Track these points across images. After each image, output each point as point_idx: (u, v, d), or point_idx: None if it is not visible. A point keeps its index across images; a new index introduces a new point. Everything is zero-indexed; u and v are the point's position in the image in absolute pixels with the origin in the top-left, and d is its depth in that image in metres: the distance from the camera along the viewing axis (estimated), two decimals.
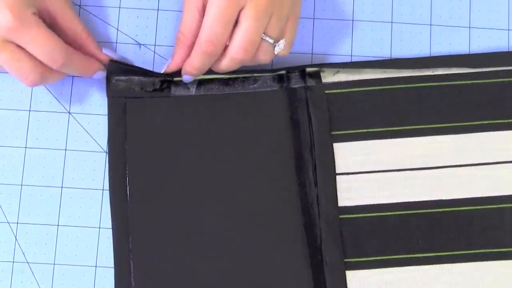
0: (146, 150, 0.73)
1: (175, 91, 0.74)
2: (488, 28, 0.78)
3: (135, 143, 0.73)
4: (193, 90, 0.74)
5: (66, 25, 0.70)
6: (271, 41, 0.69)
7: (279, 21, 0.68)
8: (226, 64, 0.70)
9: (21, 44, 0.66)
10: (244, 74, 0.74)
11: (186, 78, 0.72)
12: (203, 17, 0.68)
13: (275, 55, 0.70)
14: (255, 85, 0.74)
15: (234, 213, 0.72)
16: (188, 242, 0.72)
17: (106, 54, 0.73)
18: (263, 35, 0.68)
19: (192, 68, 0.70)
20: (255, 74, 0.74)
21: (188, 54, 0.70)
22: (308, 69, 0.74)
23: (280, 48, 0.70)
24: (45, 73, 0.67)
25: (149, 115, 0.74)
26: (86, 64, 0.71)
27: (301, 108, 0.74)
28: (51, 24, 0.70)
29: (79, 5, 0.77)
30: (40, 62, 0.67)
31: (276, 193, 0.73)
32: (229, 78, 0.74)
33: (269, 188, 0.73)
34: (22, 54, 0.66)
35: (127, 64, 0.74)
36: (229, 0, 0.66)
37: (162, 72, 0.73)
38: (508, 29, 0.78)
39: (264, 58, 0.70)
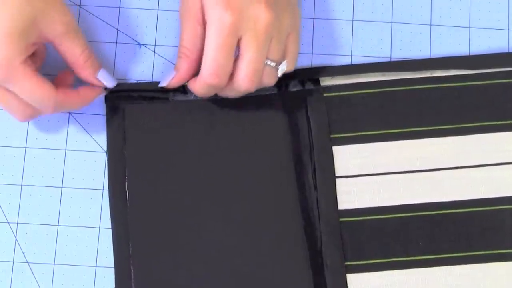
0: (145, 155, 0.71)
1: (174, 96, 0.72)
2: (488, 28, 0.75)
3: (134, 148, 0.71)
4: (191, 95, 0.71)
5: (64, 50, 0.66)
6: (273, 64, 0.66)
7: (280, 43, 0.65)
8: (233, 94, 0.67)
9: (10, 90, 0.63)
10: None
11: None
12: (204, 28, 0.65)
13: (279, 76, 0.67)
14: None
15: (234, 217, 0.70)
16: (188, 246, 0.69)
17: (100, 80, 0.69)
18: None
19: (198, 94, 0.68)
20: None
21: (192, 68, 0.67)
22: None
23: (282, 69, 0.67)
24: (35, 113, 0.66)
25: (148, 120, 0.71)
26: (79, 102, 0.68)
27: (300, 112, 0.71)
28: (52, 45, 0.66)
29: (79, 5, 0.74)
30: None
31: (275, 197, 0.70)
32: None
33: (268, 192, 0.70)
34: (11, 97, 0.64)
35: (126, 90, 0.72)
36: (228, 31, 0.63)
37: (163, 85, 0.69)
38: (508, 29, 0.75)
39: (268, 81, 0.67)
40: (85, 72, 0.68)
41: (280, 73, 0.67)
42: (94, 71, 0.68)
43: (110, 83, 0.70)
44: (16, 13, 0.62)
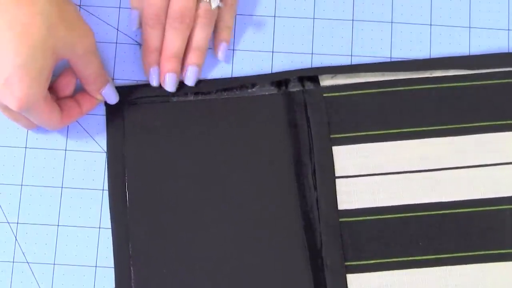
0: (145, 155, 0.70)
1: (173, 97, 0.71)
2: (488, 28, 0.74)
3: (134, 148, 0.70)
4: (191, 96, 0.71)
5: (77, 68, 0.66)
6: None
7: None
8: (172, 35, 0.68)
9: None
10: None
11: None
12: None
13: (215, 8, 0.69)
14: (253, 89, 0.71)
15: (234, 218, 0.69)
16: (188, 246, 0.69)
17: (103, 96, 0.69)
18: None
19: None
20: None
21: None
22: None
23: (216, 3, 0.68)
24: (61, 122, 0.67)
25: (148, 120, 0.70)
26: (80, 116, 0.70)
27: (299, 112, 0.71)
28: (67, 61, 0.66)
29: (79, 5, 0.74)
30: None
31: (275, 197, 0.69)
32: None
33: (268, 192, 0.69)
34: (21, 117, 0.65)
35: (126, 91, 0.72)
36: None
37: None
38: (508, 29, 0.74)
39: (205, 20, 0.69)
40: (90, 87, 0.68)
41: (213, 6, 0.68)
42: (100, 88, 0.68)
43: (112, 100, 0.70)
44: (37, 48, 0.60)
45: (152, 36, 0.69)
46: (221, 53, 0.72)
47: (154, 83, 0.70)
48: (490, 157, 0.70)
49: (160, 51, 0.69)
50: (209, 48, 0.72)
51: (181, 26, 0.68)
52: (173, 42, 0.69)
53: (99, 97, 0.69)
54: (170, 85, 0.70)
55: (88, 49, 0.64)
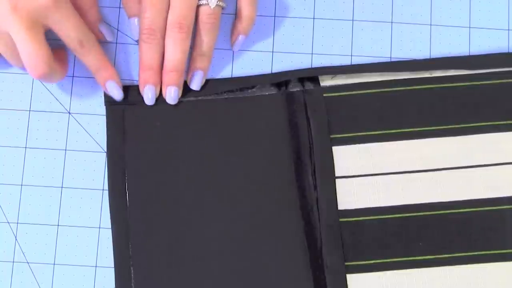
0: (145, 155, 0.70)
1: None
2: (488, 28, 0.74)
3: (134, 148, 0.70)
4: (191, 97, 0.71)
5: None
6: (205, 2, 0.68)
7: None
8: (171, 47, 0.68)
9: (50, 24, 0.64)
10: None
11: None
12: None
13: (215, 8, 0.69)
14: (253, 90, 0.71)
15: (233, 217, 0.69)
16: (188, 247, 0.69)
17: (101, 31, 0.71)
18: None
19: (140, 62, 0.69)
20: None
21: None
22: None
23: (213, 3, 0.68)
24: (54, 66, 0.64)
25: (148, 121, 0.70)
26: (99, 64, 0.69)
27: (299, 112, 0.71)
28: None
29: None
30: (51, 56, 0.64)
31: (275, 198, 0.69)
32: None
33: (268, 192, 0.69)
34: (12, 42, 0.64)
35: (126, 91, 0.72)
36: None
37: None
38: (508, 29, 0.74)
39: (209, 22, 0.69)
40: (89, 16, 0.69)
41: (212, 6, 0.68)
42: (95, 20, 0.70)
43: (109, 37, 0.71)
44: None
45: (147, 52, 0.69)
46: (236, 46, 0.72)
47: (148, 102, 0.70)
48: (490, 157, 0.70)
49: (155, 69, 0.69)
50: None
51: (179, 35, 0.68)
52: (173, 54, 0.68)
53: (96, 29, 0.71)
54: (171, 99, 0.70)
55: None
